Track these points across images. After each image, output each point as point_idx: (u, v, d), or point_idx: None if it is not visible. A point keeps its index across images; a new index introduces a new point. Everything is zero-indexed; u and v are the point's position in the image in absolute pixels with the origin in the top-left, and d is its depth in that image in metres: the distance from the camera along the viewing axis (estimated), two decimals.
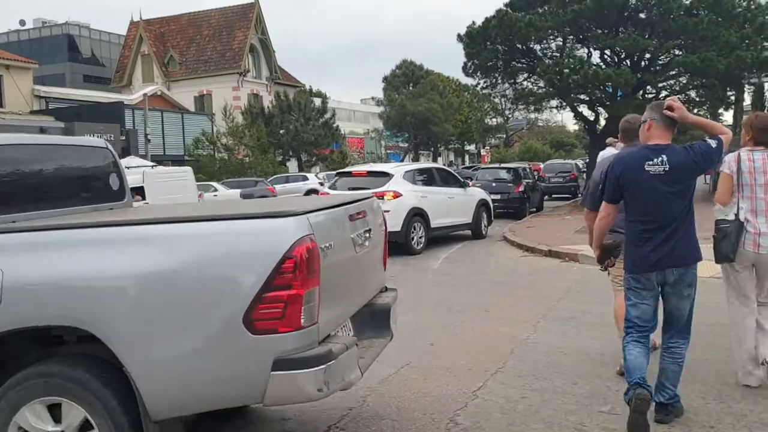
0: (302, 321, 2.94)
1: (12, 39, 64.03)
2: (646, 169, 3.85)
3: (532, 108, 29.21)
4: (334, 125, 45.52)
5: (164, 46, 54.70)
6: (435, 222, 13.09)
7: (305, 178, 34.39)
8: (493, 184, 18.72)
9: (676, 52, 22.06)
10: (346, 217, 3.63)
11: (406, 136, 62.85)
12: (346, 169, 15.81)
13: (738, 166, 4.54)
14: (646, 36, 21.06)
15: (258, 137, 37.57)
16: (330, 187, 13.70)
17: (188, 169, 21.31)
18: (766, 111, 41.39)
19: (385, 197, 11.96)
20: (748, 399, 4.43)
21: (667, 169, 3.82)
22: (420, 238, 12.71)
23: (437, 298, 8.27)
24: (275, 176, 33.63)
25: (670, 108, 3.96)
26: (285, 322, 2.91)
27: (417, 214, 12.63)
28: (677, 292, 3.94)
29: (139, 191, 19.16)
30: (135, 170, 19.44)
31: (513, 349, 5.80)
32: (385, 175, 12.87)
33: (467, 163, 64.18)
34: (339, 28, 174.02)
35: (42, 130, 31.35)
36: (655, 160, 3.85)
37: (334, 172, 17.15)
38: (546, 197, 27.23)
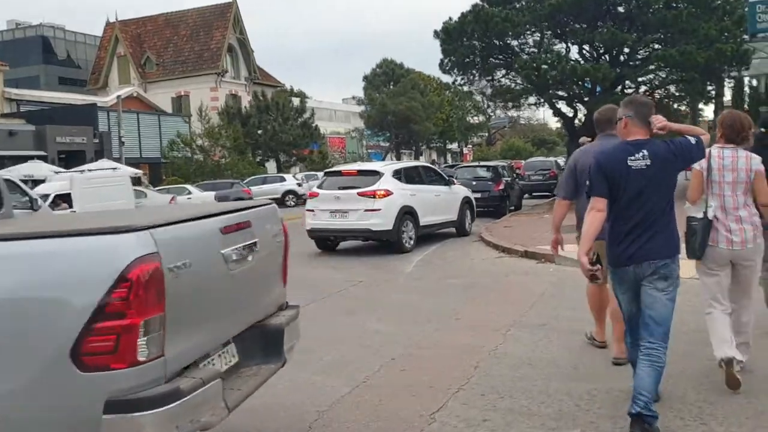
0: (140, 355, 2.50)
1: None
2: (629, 164, 3.86)
3: (510, 105, 28.85)
4: (313, 125, 44.99)
5: (141, 47, 53.93)
6: (424, 220, 13.08)
7: (283, 179, 33.85)
8: (473, 183, 18.32)
9: (655, 46, 21.80)
10: (217, 229, 3.16)
11: (387, 136, 62.48)
12: (335, 169, 15.58)
13: (708, 164, 4.52)
14: (625, 30, 20.75)
15: (234, 138, 36.99)
16: (318, 187, 13.62)
17: (125, 173, 19.25)
18: (746, 106, 41.53)
19: (376, 195, 12.09)
20: (732, 419, 4.01)
21: (648, 163, 3.83)
22: (410, 236, 12.69)
23: (405, 305, 7.83)
24: (252, 177, 33.06)
25: (658, 127, 4.01)
26: (118, 357, 2.47)
27: (407, 212, 12.61)
28: (653, 286, 3.85)
29: (66, 198, 18.29)
30: (65, 176, 18.18)
31: (479, 362, 5.36)
32: (375, 174, 12.79)
33: (449, 162, 63.87)
34: (322, 28, 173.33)
35: (11, 134, 30.64)
36: (637, 155, 3.86)
37: (323, 172, 16.90)
38: (526, 195, 27.00)
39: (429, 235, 13.93)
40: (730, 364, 4.33)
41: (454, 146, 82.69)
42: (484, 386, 4.79)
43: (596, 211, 3.93)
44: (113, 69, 53.13)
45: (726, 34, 19.26)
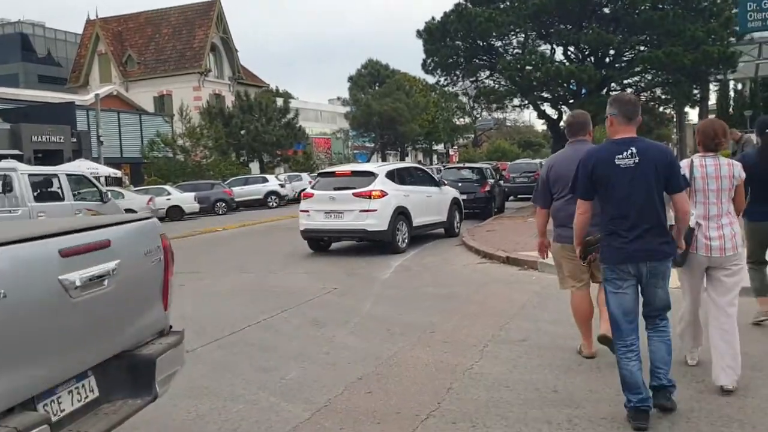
0: None
1: None
2: (617, 163, 3.86)
3: (494, 106, 28.48)
4: (297, 125, 44.44)
5: (122, 45, 53.20)
6: (416, 221, 13.19)
7: (265, 180, 33.31)
8: (459, 185, 17.99)
9: (641, 48, 21.51)
10: (53, 252, 2.72)
11: (372, 136, 62.04)
12: (329, 169, 15.58)
13: (690, 173, 4.55)
14: (611, 31, 20.44)
15: (216, 138, 36.40)
16: (312, 188, 13.64)
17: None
18: (731, 110, 41.44)
19: (371, 196, 12.19)
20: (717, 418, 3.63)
21: (637, 161, 3.83)
22: (404, 236, 12.78)
23: (378, 317, 7.39)
24: (233, 178, 32.48)
25: None
26: None
27: (401, 213, 12.72)
28: (653, 284, 3.98)
29: None
30: None
31: (452, 383, 4.94)
32: (370, 175, 12.88)
33: (436, 163, 63.53)
34: (309, 29, 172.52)
35: None
36: (625, 153, 3.86)
37: (317, 173, 16.80)
38: (511, 198, 26.66)
39: (411, 238, 13.58)
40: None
41: (440, 147, 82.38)
42: (456, 413, 4.36)
43: (580, 214, 4.08)
44: (94, 67, 52.37)
45: (713, 36, 19.01)
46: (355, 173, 13.41)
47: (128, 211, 24.52)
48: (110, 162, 36.14)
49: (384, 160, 61.70)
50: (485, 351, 5.74)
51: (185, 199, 27.94)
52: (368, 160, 58.24)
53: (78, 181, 14.59)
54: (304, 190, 34.52)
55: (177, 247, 14.74)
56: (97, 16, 52.16)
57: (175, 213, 27.41)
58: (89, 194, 14.48)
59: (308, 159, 46.03)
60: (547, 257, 5.88)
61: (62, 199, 13.34)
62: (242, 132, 40.73)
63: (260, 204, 31.29)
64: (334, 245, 14.12)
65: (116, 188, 27.74)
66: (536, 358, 5.46)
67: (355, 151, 64.67)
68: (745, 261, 4.87)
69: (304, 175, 37.39)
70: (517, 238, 12.73)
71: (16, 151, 30.33)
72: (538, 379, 4.93)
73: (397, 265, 11.31)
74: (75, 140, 33.85)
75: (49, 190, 13.61)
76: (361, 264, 11.76)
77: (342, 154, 61.69)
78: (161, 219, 26.31)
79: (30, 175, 13.11)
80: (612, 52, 21.74)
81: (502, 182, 22.84)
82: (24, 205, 12.55)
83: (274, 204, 32.13)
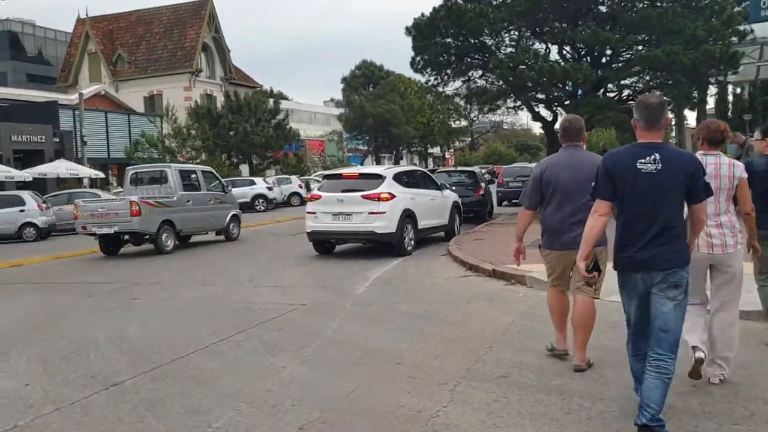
0: None
1: None
2: (638, 167, 3.76)
3: (486, 108, 27.57)
4: (288, 127, 43.50)
5: (112, 44, 52.29)
6: (422, 223, 13.30)
7: (252, 183, 32.41)
8: (453, 188, 17.25)
9: (639, 47, 20.65)
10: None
11: (366, 139, 61.16)
12: (335, 171, 15.74)
13: None
14: (608, 29, 19.54)
15: (203, 139, 35.47)
16: (319, 189, 13.66)
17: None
18: (729, 113, 40.66)
19: (380, 198, 12.29)
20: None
21: (659, 167, 3.72)
22: (410, 239, 12.89)
23: (341, 342, 6.49)
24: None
25: None
26: None
27: (408, 216, 12.81)
28: (663, 294, 3.76)
29: None
30: None
31: None
32: (378, 177, 12.96)
33: (431, 166, 62.68)
34: (305, 30, 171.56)
35: None
36: (648, 158, 3.75)
37: (323, 174, 16.98)
38: (505, 203, 25.84)
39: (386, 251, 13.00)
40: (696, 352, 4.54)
41: (435, 150, 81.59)
42: None
43: (599, 215, 3.90)
44: (84, 66, 51.42)
45: (714, 35, 18.16)
46: (363, 176, 13.55)
47: None
48: (97, 162, 35.21)
49: (378, 163, 60.87)
50: (456, 391, 4.84)
51: None
52: (362, 163, 57.36)
53: (208, 175, 17.79)
54: (293, 193, 34.28)
55: (147, 253, 13.91)
56: (87, 15, 51.24)
57: None
58: (216, 186, 17.67)
59: (300, 161, 45.07)
60: (519, 265, 5.82)
61: (199, 189, 16.75)
62: (231, 133, 39.76)
63: (247, 207, 30.33)
64: (309, 253, 13.34)
65: (94, 190, 26.78)
66: (515, 403, 4.55)
67: (348, 154, 63.75)
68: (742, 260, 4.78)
69: (294, 177, 36.49)
70: (505, 248, 11.73)
71: None
72: None
73: (375, 277, 10.43)
74: (57, 140, 32.90)
75: (191, 182, 16.72)
76: (337, 274, 10.89)
77: (336, 156, 60.77)
78: None
79: (179, 171, 16.60)
80: (609, 51, 20.83)
81: (488, 186, 22.17)
82: (176, 193, 15.82)
83: (262, 207, 31.23)
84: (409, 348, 6.12)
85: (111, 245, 15.50)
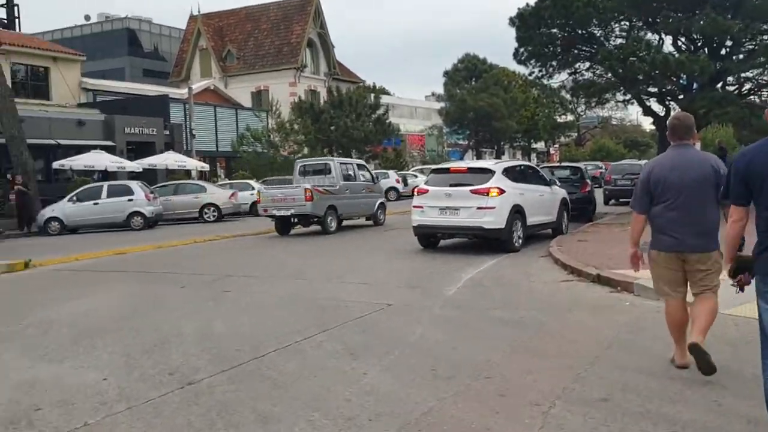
0: None
1: (75, 34, 64.71)
2: None
3: (594, 102, 26.28)
4: (387, 121, 43.40)
5: (222, 40, 54.02)
6: (530, 220, 13.07)
7: (386, 176, 32.89)
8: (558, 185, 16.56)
9: (764, 36, 19.00)
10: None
11: (466, 133, 60.28)
12: (442, 166, 15.57)
13: None
14: (728, 17, 18.04)
15: (305, 133, 35.93)
16: (425, 184, 13.61)
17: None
18: None
19: (489, 193, 12.11)
20: None
21: None
22: (519, 235, 12.70)
23: (426, 350, 6.08)
24: None
25: None
26: None
27: (517, 212, 12.61)
28: None
29: None
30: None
31: None
32: (488, 172, 12.75)
33: (535, 162, 61.08)
34: (409, 25, 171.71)
35: (80, 123, 30.56)
36: None
37: (431, 168, 17.20)
38: (612, 201, 24.69)
39: (491, 247, 12.64)
40: None
41: (539, 146, 79.48)
42: None
43: (734, 222, 3.69)
44: (195, 62, 53.41)
45: None
46: (471, 170, 13.32)
47: (209, 205, 24.31)
48: (205, 155, 36.44)
49: (479, 157, 59.91)
50: (550, 414, 4.33)
51: (270, 195, 27.42)
52: (461, 158, 56.60)
53: (361, 167, 20.34)
54: (391, 188, 34.16)
55: (243, 245, 14.08)
56: (199, 12, 53.15)
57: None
58: (367, 177, 19.90)
59: (398, 156, 44.92)
60: (638, 270, 5.47)
61: (355, 180, 19.05)
62: (332, 128, 40.10)
63: None
64: (402, 249, 13.02)
65: (199, 182, 27.61)
66: None
67: (448, 149, 63.06)
68: None
69: (391, 172, 36.42)
70: (611, 251, 11.04)
71: (109, 143, 30.90)
72: None
73: (468, 278, 9.94)
74: (167, 132, 34.20)
75: (348, 173, 19.10)
76: (428, 273, 10.50)
77: (435, 151, 60.26)
78: (244, 214, 26.05)
79: (340, 163, 19.25)
80: (729, 41, 19.29)
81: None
82: (338, 182, 18.11)
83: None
84: (499, 360, 5.64)
85: (284, 226, 17.94)
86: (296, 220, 17.79)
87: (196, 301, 8.90)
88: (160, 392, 5.08)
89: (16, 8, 37.32)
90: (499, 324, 7.02)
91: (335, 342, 6.39)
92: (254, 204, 26.83)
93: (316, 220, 17.53)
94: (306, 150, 38.02)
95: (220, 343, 6.55)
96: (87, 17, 68.54)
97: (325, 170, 18.74)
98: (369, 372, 5.40)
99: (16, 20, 37.38)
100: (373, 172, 22.68)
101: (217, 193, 25.08)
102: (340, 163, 19.18)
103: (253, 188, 27.67)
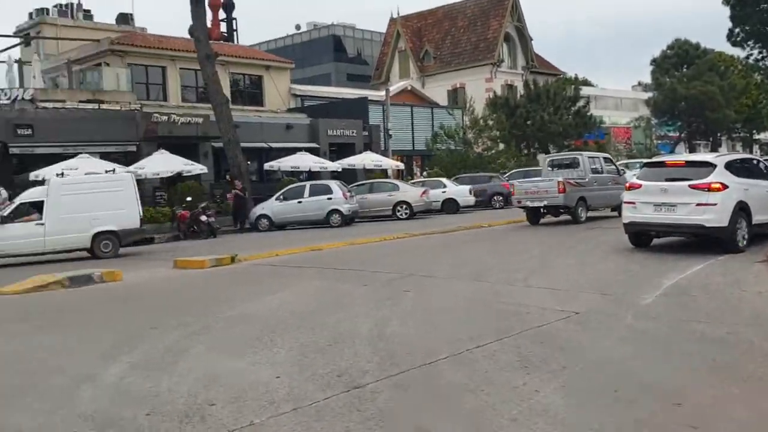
0: None
1: (287, 43, 69.43)
2: None
3: None
4: (588, 113, 41.39)
5: (420, 41, 54.97)
6: (756, 218, 12.04)
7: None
8: None
9: None
10: None
11: (677, 125, 55.85)
12: (657, 159, 15.17)
13: None
14: None
15: (499, 129, 35.37)
16: (638, 178, 12.91)
17: (126, 175, 18.36)
18: None
19: (710, 189, 11.42)
20: None
21: None
22: (743, 235, 11.75)
23: (610, 368, 5.48)
24: (512, 171, 31.10)
25: None
26: None
27: (741, 209, 11.68)
28: None
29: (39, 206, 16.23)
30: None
31: None
32: (708, 165, 11.99)
33: (758, 154, 55.15)
34: (613, 12, 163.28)
35: (288, 127, 32.64)
36: None
37: (643, 162, 16.91)
38: None
39: (702, 249, 11.65)
40: None
41: (763, 136, 71.60)
42: None
43: None
44: (394, 64, 54.92)
45: None
46: (689, 163, 12.65)
47: (402, 203, 24.75)
48: (402, 154, 37.32)
49: (692, 150, 55.25)
50: None
51: (460, 192, 27.44)
52: (672, 151, 52.55)
53: (607, 160, 21.02)
54: None
55: (431, 244, 14.06)
56: (398, 15, 54.56)
57: (450, 206, 27.05)
58: (612, 169, 20.48)
59: (600, 150, 42.67)
60: None
61: (602, 172, 19.68)
62: (528, 122, 39.08)
63: None
64: (595, 249, 12.17)
65: (391, 180, 28.26)
66: None
67: (657, 141, 58.83)
68: None
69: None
70: None
71: (314, 145, 32.69)
72: None
73: (669, 284, 8.99)
74: (366, 133, 35.45)
75: (595, 166, 19.74)
76: (623, 278, 9.69)
77: (642, 144, 56.50)
78: (436, 212, 26.25)
79: (588, 157, 20.09)
80: None
81: None
82: (587, 175, 19.06)
83: None
84: (694, 385, 4.94)
85: (535, 216, 19.10)
86: (545, 210, 18.89)
87: (376, 300, 8.93)
88: (326, 394, 5.07)
89: (234, 22, 40.76)
90: (699, 340, 6.20)
91: (510, 352, 6.02)
92: (446, 202, 26.99)
93: (565, 210, 18.58)
94: (501, 146, 37.44)
95: (392, 345, 6.46)
96: (297, 27, 73.33)
97: (573, 164, 19.74)
98: (542, 389, 4.98)
99: (234, 33, 40.83)
100: None
101: (410, 191, 25.48)
102: (588, 157, 20.11)
103: (445, 186, 27.77)
